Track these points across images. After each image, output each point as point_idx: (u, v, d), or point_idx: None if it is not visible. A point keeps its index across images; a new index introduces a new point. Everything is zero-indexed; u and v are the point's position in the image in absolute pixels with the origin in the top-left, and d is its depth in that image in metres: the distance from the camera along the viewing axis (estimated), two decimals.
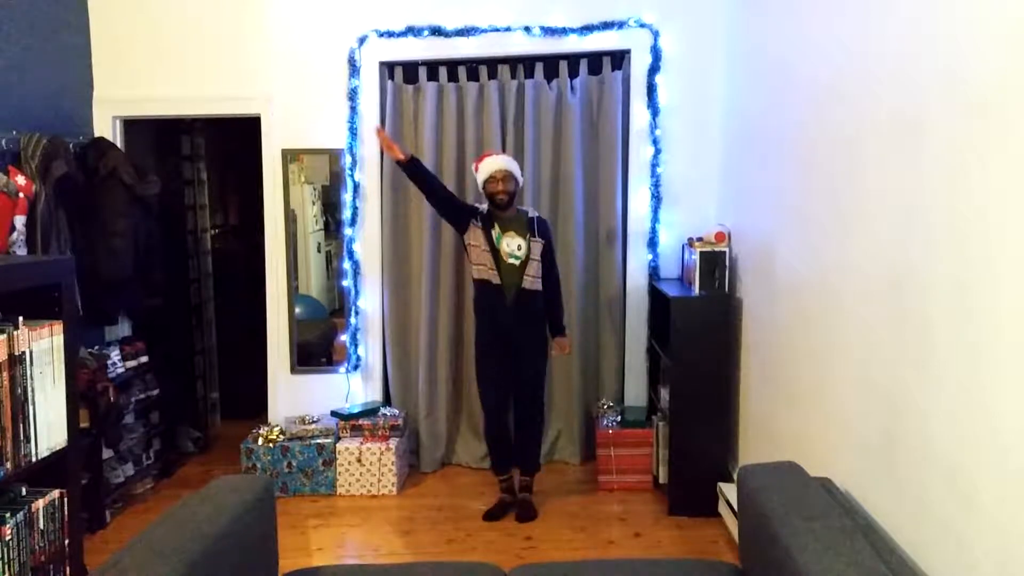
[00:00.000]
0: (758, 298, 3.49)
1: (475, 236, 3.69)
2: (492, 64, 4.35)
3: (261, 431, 4.22)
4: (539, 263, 3.69)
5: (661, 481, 3.97)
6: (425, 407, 4.42)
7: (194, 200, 5.19)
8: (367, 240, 4.42)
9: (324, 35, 4.32)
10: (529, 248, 3.66)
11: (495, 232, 3.67)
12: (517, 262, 3.66)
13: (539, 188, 4.34)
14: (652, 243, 4.29)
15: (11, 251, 3.37)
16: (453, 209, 3.78)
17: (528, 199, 4.28)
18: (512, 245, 3.66)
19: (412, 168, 3.66)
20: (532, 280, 3.67)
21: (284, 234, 4.46)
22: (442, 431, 4.46)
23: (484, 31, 4.24)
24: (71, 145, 3.88)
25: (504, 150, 4.31)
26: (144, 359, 4.27)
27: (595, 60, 4.32)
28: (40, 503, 2.18)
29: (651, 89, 4.21)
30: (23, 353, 2.12)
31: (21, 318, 2.12)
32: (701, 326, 3.69)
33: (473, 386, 4.12)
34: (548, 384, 4.46)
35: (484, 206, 3.77)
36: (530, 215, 3.76)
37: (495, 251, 3.66)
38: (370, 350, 4.48)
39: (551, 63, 4.32)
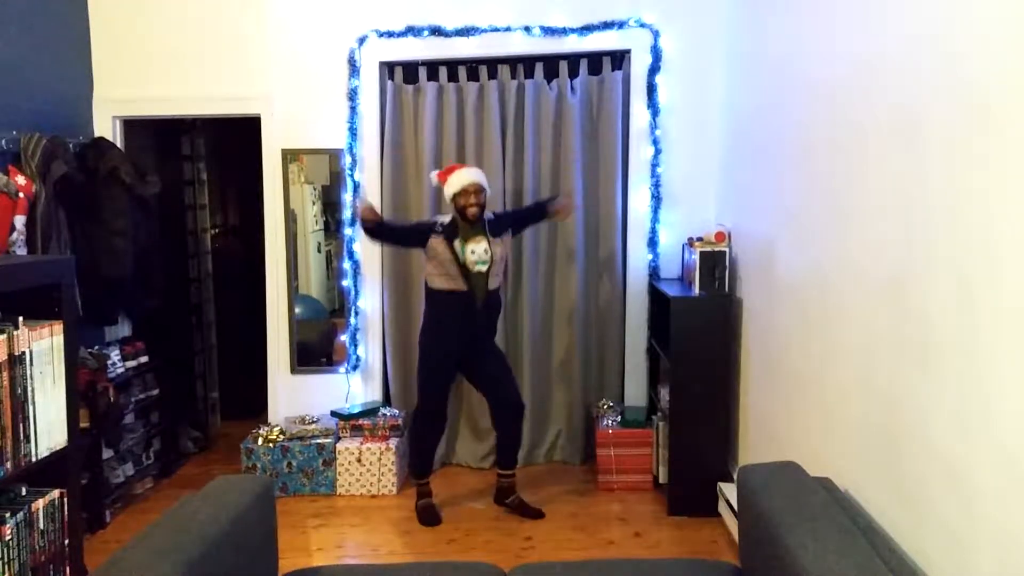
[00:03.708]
0: (758, 298, 3.49)
1: (439, 247, 3.63)
2: (492, 64, 4.35)
3: (261, 431, 4.22)
4: (502, 262, 3.75)
5: (661, 481, 3.97)
6: None
7: (194, 200, 5.19)
8: (367, 240, 4.41)
9: (324, 35, 4.32)
10: (493, 251, 3.63)
11: (458, 244, 3.62)
12: (485, 267, 3.62)
13: (539, 188, 4.34)
14: (652, 243, 4.29)
15: (11, 251, 3.37)
16: (414, 237, 3.78)
17: (528, 199, 4.29)
18: (479, 251, 3.60)
19: (377, 228, 3.71)
20: (497, 279, 3.73)
21: (284, 234, 4.46)
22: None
23: (484, 31, 4.24)
24: (71, 145, 3.88)
25: (504, 150, 4.32)
26: (144, 359, 4.27)
27: (595, 60, 4.31)
28: (40, 503, 2.18)
29: (651, 89, 4.21)
30: (23, 353, 2.12)
31: (21, 318, 2.12)
32: (701, 326, 3.69)
33: (472, 388, 4.09)
34: (548, 384, 4.48)
35: (444, 218, 3.73)
36: (485, 218, 3.70)
37: (460, 262, 3.62)
38: (370, 350, 4.48)
39: (551, 63, 4.32)
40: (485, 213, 3.71)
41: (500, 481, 3.92)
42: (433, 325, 3.75)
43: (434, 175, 3.82)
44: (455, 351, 3.74)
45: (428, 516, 3.78)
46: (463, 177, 3.63)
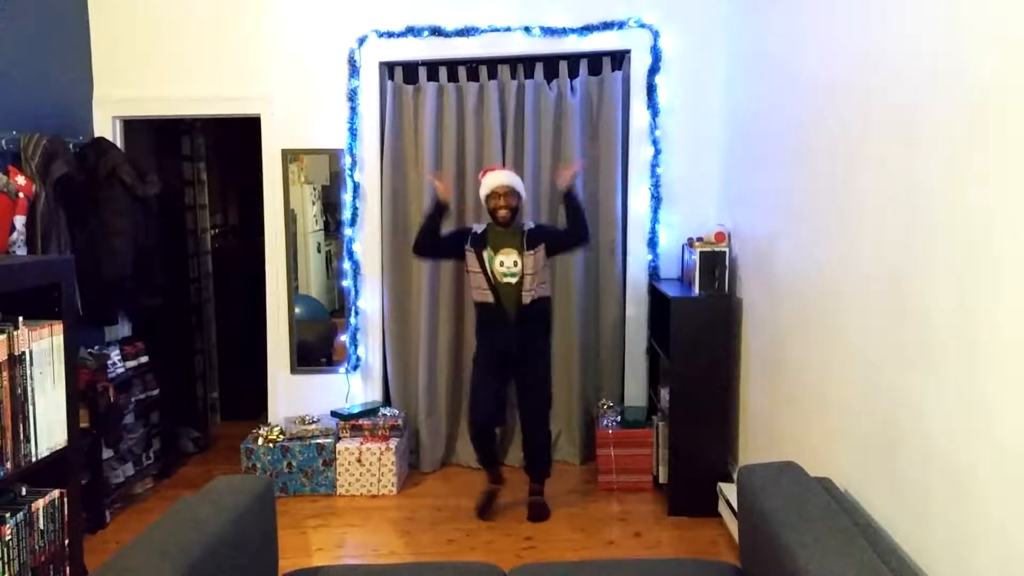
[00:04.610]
0: (758, 298, 3.49)
1: (471, 261, 3.69)
2: (492, 64, 4.35)
3: (261, 431, 4.22)
4: (537, 275, 3.61)
5: (661, 481, 3.97)
6: (425, 407, 4.43)
7: (194, 200, 5.19)
8: (367, 240, 4.42)
9: (324, 35, 4.32)
10: (523, 263, 3.61)
11: (487, 254, 3.64)
12: (514, 279, 3.62)
13: (539, 188, 4.34)
14: (652, 243, 4.29)
15: (11, 251, 3.37)
16: (447, 247, 3.79)
17: (528, 200, 4.28)
18: (508, 263, 3.62)
19: (440, 213, 3.71)
20: (531, 294, 3.62)
21: (284, 234, 4.46)
22: (442, 431, 4.46)
23: (484, 31, 4.24)
24: (71, 145, 3.88)
25: (504, 151, 4.32)
26: (144, 359, 4.27)
27: (595, 60, 4.32)
28: (40, 503, 2.18)
29: (651, 89, 4.21)
30: (23, 353, 2.12)
31: (21, 318, 2.12)
32: (701, 326, 3.69)
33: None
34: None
35: (478, 227, 3.76)
36: (525, 228, 3.70)
37: (489, 273, 3.64)
38: (370, 350, 4.48)
39: (551, 63, 4.32)
40: (525, 222, 3.75)
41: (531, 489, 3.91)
42: (476, 336, 3.84)
43: (480, 179, 3.83)
44: (491, 364, 3.74)
45: (481, 504, 3.80)
46: (493, 179, 3.67)
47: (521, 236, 3.66)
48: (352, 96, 4.33)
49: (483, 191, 3.70)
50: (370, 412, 4.28)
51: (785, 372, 3.07)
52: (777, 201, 3.20)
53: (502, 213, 3.63)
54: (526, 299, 3.61)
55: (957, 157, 1.76)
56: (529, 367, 3.73)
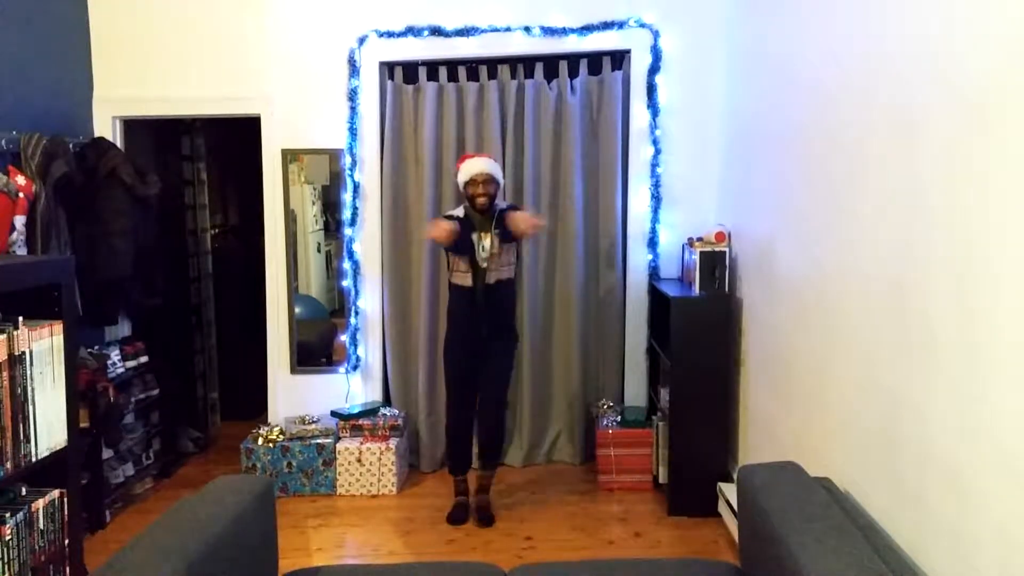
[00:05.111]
0: (758, 298, 3.49)
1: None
2: (492, 64, 4.35)
3: (261, 431, 4.22)
4: (503, 255, 3.65)
5: (661, 481, 3.97)
6: (425, 407, 4.42)
7: (194, 200, 5.19)
8: (367, 240, 4.42)
9: (324, 35, 4.32)
10: (492, 243, 3.64)
11: (475, 236, 3.64)
12: (486, 263, 3.65)
13: (539, 188, 4.34)
14: (652, 243, 4.29)
15: (11, 251, 3.37)
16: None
17: (528, 199, 4.29)
18: (487, 246, 3.65)
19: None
20: (496, 272, 3.66)
21: (284, 234, 4.45)
22: (442, 431, 4.45)
23: (484, 31, 4.24)
24: (71, 145, 3.88)
25: (504, 150, 4.31)
26: (144, 359, 4.27)
27: (595, 60, 4.31)
28: (40, 503, 2.18)
29: (651, 89, 4.21)
30: (23, 353, 2.12)
31: (21, 318, 2.12)
32: (701, 326, 3.69)
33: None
34: (548, 384, 4.48)
35: (458, 211, 3.74)
36: (496, 209, 3.69)
37: (476, 256, 3.64)
38: (370, 350, 4.48)
39: (551, 63, 4.32)
40: (498, 203, 3.72)
41: (478, 480, 3.92)
42: (448, 319, 3.85)
43: (456, 167, 3.82)
44: (463, 347, 3.75)
45: (454, 514, 3.78)
46: (472, 167, 3.66)
47: (492, 219, 3.66)
48: (352, 96, 4.33)
49: (462, 177, 3.69)
50: (370, 412, 4.28)
51: (785, 372, 3.07)
52: (777, 201, 3.20)
53: (480, 200, 3.63)
54: (490, 279, 3.65)
55: (957, 157, 1.76)
56: (496, 351, 3.76)
